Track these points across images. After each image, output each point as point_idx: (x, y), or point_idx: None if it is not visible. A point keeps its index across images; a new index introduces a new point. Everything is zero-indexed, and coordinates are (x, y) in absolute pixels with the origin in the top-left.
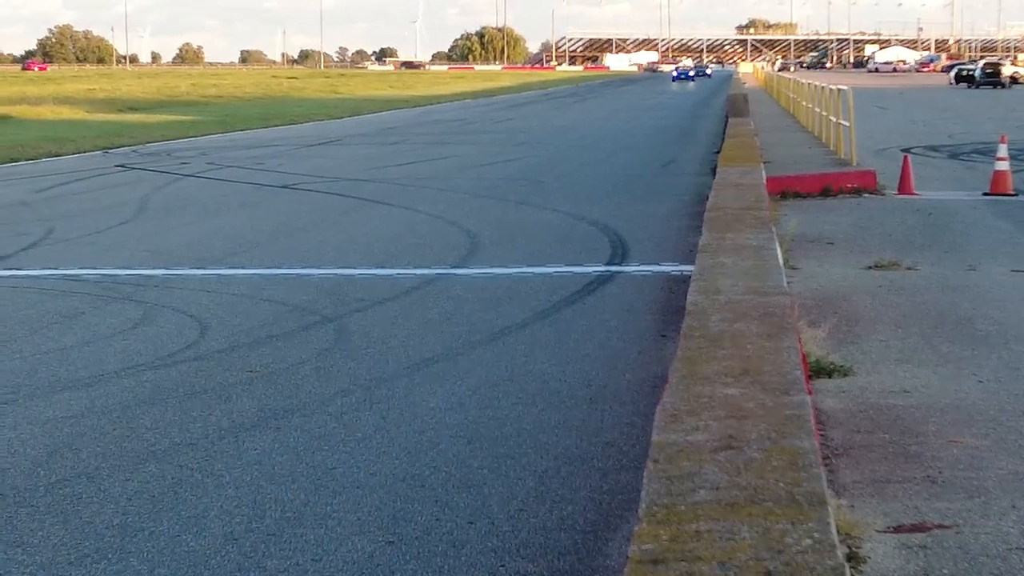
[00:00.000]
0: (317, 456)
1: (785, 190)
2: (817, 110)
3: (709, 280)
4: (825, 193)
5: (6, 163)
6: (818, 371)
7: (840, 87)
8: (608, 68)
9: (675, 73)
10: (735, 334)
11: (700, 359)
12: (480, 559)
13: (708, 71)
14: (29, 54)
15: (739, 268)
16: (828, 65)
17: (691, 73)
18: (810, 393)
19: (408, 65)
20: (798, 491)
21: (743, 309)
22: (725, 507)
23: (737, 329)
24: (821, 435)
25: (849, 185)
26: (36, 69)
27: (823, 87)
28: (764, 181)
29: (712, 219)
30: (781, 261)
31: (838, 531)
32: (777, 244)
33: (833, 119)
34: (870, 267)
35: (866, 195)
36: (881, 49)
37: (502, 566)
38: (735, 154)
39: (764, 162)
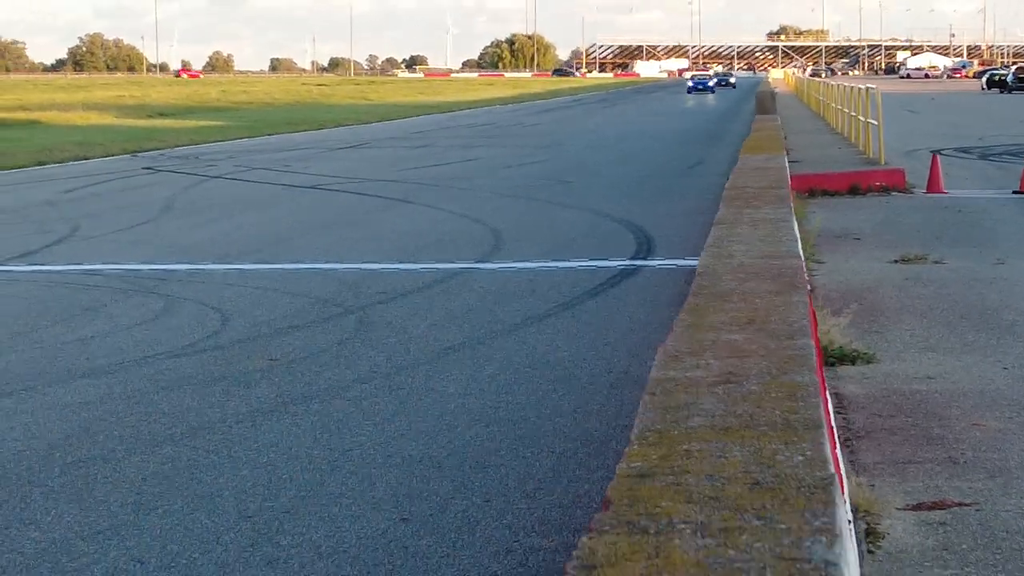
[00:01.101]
0: (334, 439)
1: (813, 188)
2: (846, 111)
3: (722, 247)
4: (853, 191)
5: (34, 166)
6: (841, 358)
7: (868, 86)
8: (638, 75)
9: (691, 83)
10: (745, 292)
11: (707, 311)
12: (495, 535)
13: (732, 79)
14: (60, 63)
15: (754, 236)
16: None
17: (711, 83)
18: (818, 346)
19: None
20: (794, 418)
21: (755, 270)
22: (719, 431)
23: (748, 288)
24: (843, 418)
25: (877, 183)
26: (186, 76)
27: (851, 87)
28: (786, 166)
29: (731, 196)
30: (797, 233)
31: (857, 508)
32: (794, 219)
33: (862, 119)
34: (896, 261)
35: (895, 193)
36: (912, 55)
37: (516, 542)
38: (758, 144)
39: (792, 161)
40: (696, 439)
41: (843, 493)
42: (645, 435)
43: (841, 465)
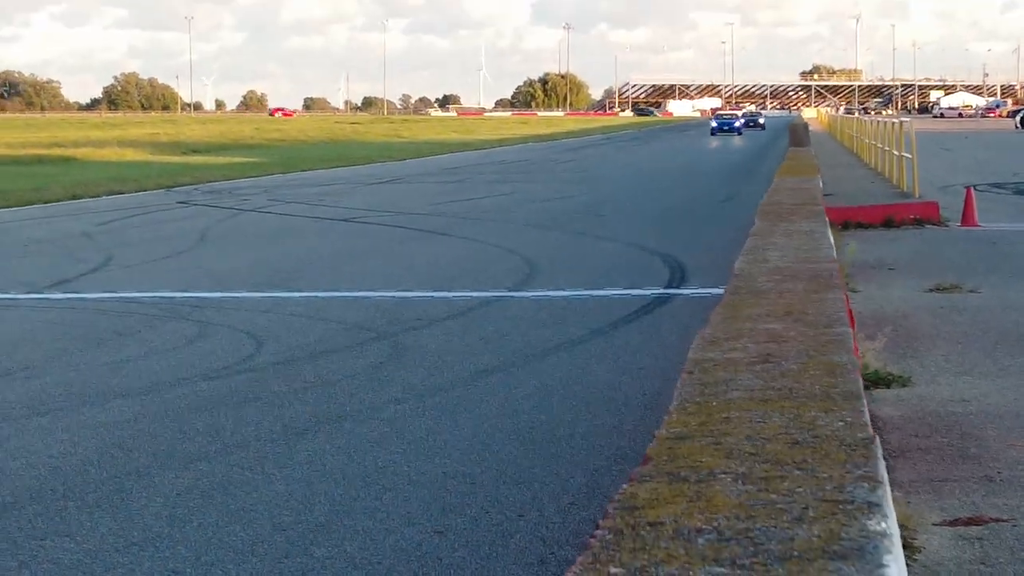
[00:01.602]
0: (368, 457)
1: (847, 220)
2: (879, 145)
3: (758, 254)
4: (888, 224)
5: (69, 200)
6: (876, 381)
7: (902, 120)
8: (671, 114)
9: (714, 123)
10: (781, 290)
11: (743, 306)
12: (529, 548)
13: (760, 119)
14: (95, 102)
15: (789, 245)
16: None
17: (737, 124)
18: (854, 335)
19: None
20: (833, 391)
21: (791, 272)
22: (758, 402)
23: (784, 287)
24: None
25: (912, 216)
26: (280, 115)
27: (884, 122)
28: (820, 187)
29: (766, 212)
30: (832, 241)
31: None
32: (829, 231)
33: (895, 153)
34: (931, 290)
35: (929, 226)
36: (946, 94)
37: (551, 554)
38: (793, 168)
39: (826, 195)
40: (735, 408)
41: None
42: (684, 406)
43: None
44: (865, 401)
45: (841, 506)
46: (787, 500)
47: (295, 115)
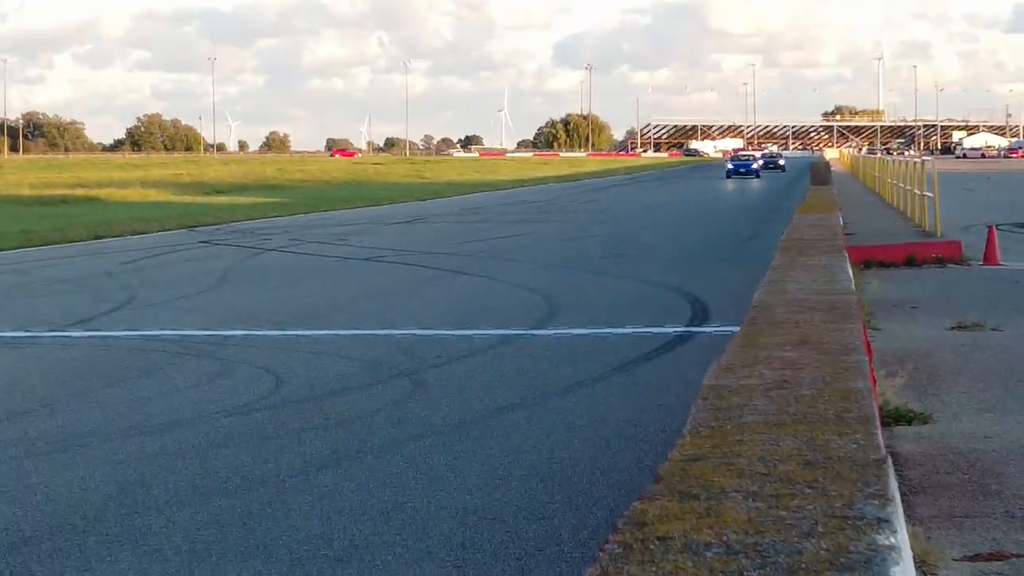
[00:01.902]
0: (387, 493)
1: (869, 259)
2: (901, 185)
3: (777, 286)
4: (910, 263)
5: (91, 240)
6: (897, 418)
7: (924, 159)
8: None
9: (729, 165)
10: (798, 320)
11: (760, 335)
12: None
13: (781, 161)
14: (118, 143)
15: (808, 278)
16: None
17: (754, 165)
18: (871, 363)
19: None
20: (848, 415)
21: (808, 304)
22: (772, 426)
23: (801, 318)
24: (899, 475)
25: (934, 255)
26: (339, 156)
27: (906, 161)
28: (840, 223)
29: (785, 247)
30: (851, 274)
31: (913, 557)
32: (848, 265)
33: (917, 192)
34: (953, 328)
35: (951, 265)
36: (968, 135)
37: None
38: (813, 206)
39: (848, 233)
40: (749, 431)
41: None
42: (698, 430)
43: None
44: (879, 424)
45: (850, 522)
46: (797, 516)
47: (357, 155)
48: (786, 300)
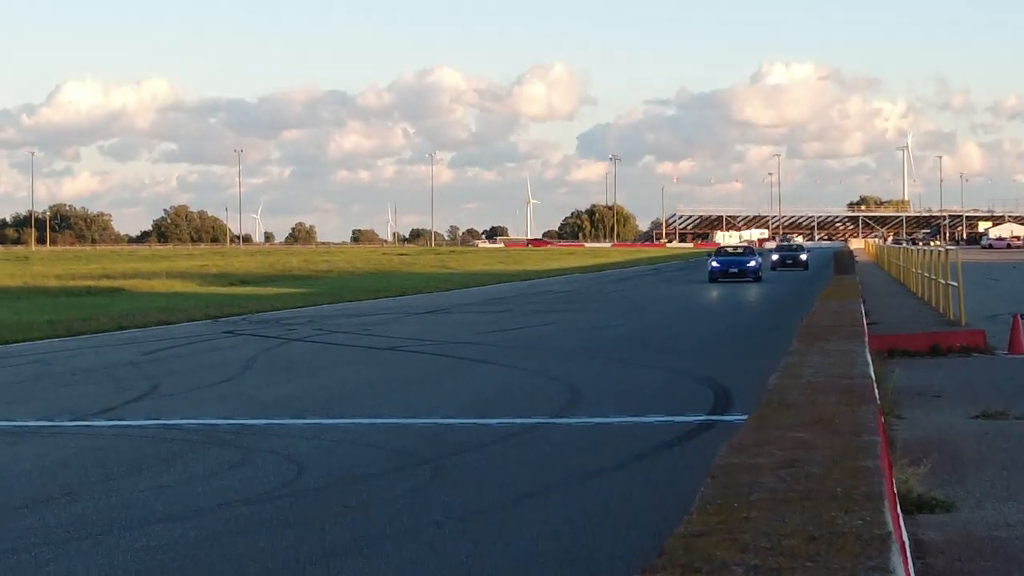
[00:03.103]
0: None
1: (892, 348)
2: (926, 274)
3: (792, 370)
4: (933, 352)
5: (116, 330)
6: (920, 506)
7: (948, 248)
8: (718, 245)
9: (714, 263)
10: (813, 402)
11: (773, 416)
12: None
13: (802, 255)
14: (145, 234)
15: (825, 363)
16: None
17: (752, 263)
18: (885, 444)
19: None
20: (856, 492)
21: (823, 387)
22: (779, 502)
23: (815, 400)
24: (922, 563)
25: (958, 344)
26: (531, 245)
27: (930, 251)
28: (862, 310)
29: (804, 332)
30: (869, 359)
31: None
32: (867, 351)
33: (942, 281)
34: (977, 416)
35: (975, 354)
36: (994, 225)
37: None
38: (834, 293)
39: (872, 323)
40: (756, 508)
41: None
42: (705, 507)
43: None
44: (889, 502)
45: None
46: None
47: (549, 246)
48: (801, 384)
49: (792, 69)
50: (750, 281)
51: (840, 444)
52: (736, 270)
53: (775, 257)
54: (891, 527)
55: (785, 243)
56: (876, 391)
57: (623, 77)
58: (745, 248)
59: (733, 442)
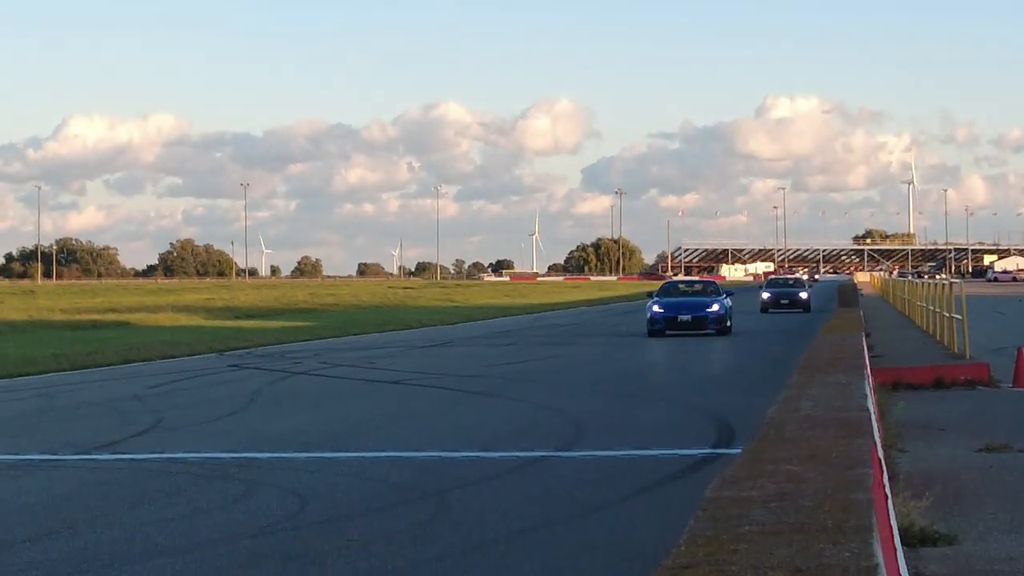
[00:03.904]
0: None
1: (897, 381)
2: (930, 307)
3: (791, 403)
4: (938, 385)
5: (121, 363)
6: (922, 539)
7: (952, 281)
8: (724, 278)
9: (656, 309)
10: (808, 437)
11: (767, 450)
12: None
13: (802, 293)
14: (151, 268)
15: (824, 395)
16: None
17: (714, 307)
18: (882, 477)
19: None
20: (846, 525)
21: (820, 420)
22: (768, 535)
23: (811, 434)
24: None
25: (962, 377)
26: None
27: (934, 283)
28: (864, 344)
29: (804, 366)
30: (869, 392)
31: None
32: (868, 384)
33: (946, 314)
34: (980, 449)
35: (980, 387)
36: (1000, 258)
37: None
38: (836, 326)
39: (876, 356)
40: (745, 541)
41: None
42: (694, 539)
43: None
44: (877, 534)
45: None
46: None
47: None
48: (798, 417)
49: (796, 103)
50: (712, 333)
51: (833, 478)
52: (688, 318)
53: (766, 296)
54: (880, 559)
55: (780, 279)
56: (875, 424)
57: (627, 111)
58: (697, 285)
59: (726, 475)
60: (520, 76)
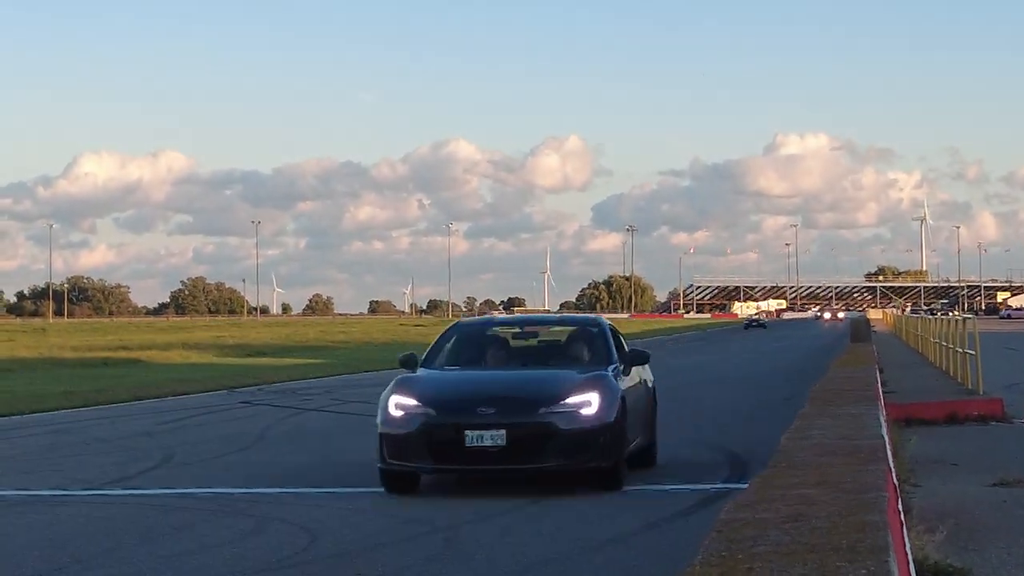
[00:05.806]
0: None
1: (909, 417)
2: (943, 343)
3: (802, 432)
4: (951, 420)
5: (132, 401)
6: (936, 573)
7: (965, 317)
8: (737, 315)
9: (396, 411)
10: (820, 463)
11: (779, 476)
12: None
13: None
14: (163, 306)
15: (835, 424)
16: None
17: (568, 402)
18: (897, 503)
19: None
20: (860, 545)
21: (831, 448)
22: (783, 555)
23: (823, 460)
24: None
25: (976, 412)
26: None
27: (947, 319)
28: (877, 377)
29: (816, 397)
30: (882, 421)
31: None
32: (882, 415)
33: (959, 350)
34: (994, 484)
35: (993, 423)
36: (1013, 295)
37: None
38: (849, 360)
39: (889, 392)
40: (760, 560)
41: None
42: (708, 559)
43: None
44: (893, 555)
45: None
46: None
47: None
48: (809, 445)
49: (805, 140)
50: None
51: (845, 501)
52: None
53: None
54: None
55: (756, 321)
56: (889, 452)
57: (637, 148)
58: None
59: (739, 499)
60: (529, 114)
